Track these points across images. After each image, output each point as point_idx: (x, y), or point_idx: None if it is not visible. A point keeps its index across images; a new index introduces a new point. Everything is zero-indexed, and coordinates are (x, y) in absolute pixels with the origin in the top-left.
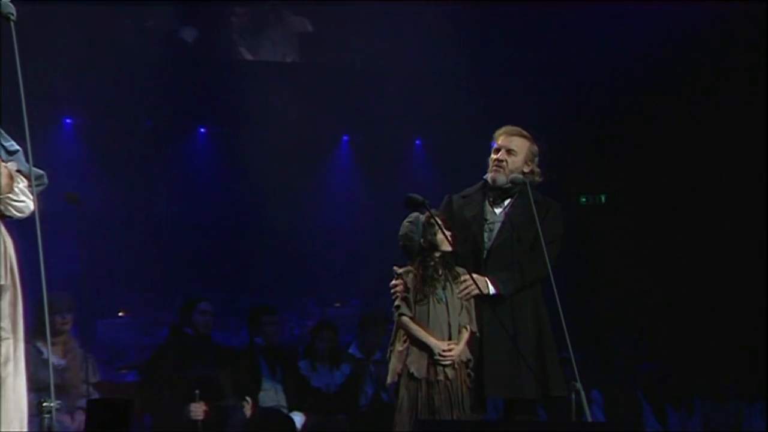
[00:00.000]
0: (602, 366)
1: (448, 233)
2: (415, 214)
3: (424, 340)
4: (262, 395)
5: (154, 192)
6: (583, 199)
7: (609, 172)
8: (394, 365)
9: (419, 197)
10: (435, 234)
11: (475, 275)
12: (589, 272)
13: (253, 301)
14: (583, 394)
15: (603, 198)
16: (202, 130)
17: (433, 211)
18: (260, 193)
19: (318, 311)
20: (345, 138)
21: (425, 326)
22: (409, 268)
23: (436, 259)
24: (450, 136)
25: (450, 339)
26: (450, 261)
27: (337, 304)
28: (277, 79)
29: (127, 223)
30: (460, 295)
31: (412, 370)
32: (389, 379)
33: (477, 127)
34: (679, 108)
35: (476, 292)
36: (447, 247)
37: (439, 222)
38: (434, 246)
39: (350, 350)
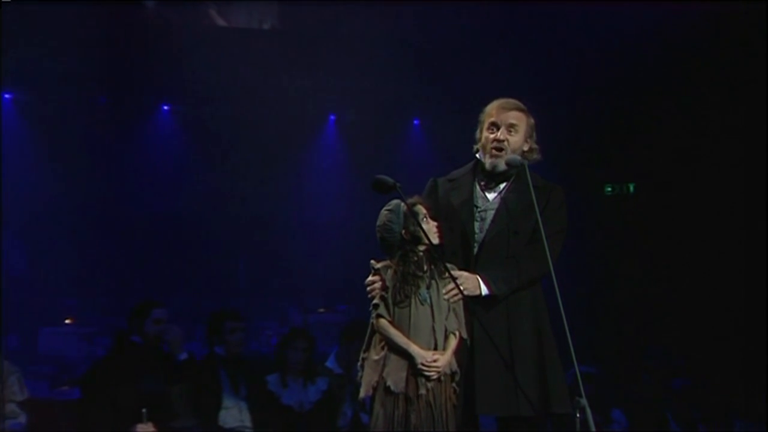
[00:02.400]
0: (625, 381)
1: (433, 224)
2: (396, 201)
3: (405, 347)
4: (223, 414)
5: (108, 179)
6: (609, 189)
7: (638, 159)
8: (368, 376)
9: (389, 179)
10: (419, 224)
11: (464, 273)
12: (612, 271)
13: (224, 306)
14: (588, 411)
15: (631, 187)
16: (166, 107)
17: (415, 198)
18: (232, 181)
19: (299, 318)
20: (332, 117)
21: (406, 331)
22: (388, 263)
23: (420, 254)
24: (452, 114)
25: (435, 347)
26: (436, 256)
27: (322, 310)
28: (253, 49)
29: (75, 216)
30: (446, 297)
31: (389, 382)
32: (362, 392)
33: (483, 106)
34: (714, 88)
35: (467, 293)
36: (435, 240)
37: (422, 210)
38: (418, 238)
39: (328, 363)
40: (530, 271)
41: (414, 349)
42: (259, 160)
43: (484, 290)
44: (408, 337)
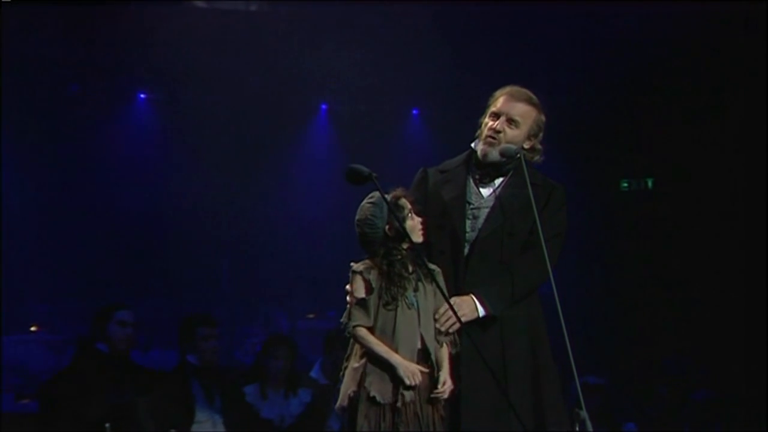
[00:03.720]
0: (639, 393)
1: (418, 220)
2: (378, 193)
3: (386, 357)
4: (195, 429)
5: (80, 173)
6: (625, 185)
7: (657, 151)
8: (346, 386)
9: (364, 169)
10: (404, 220)
11: (457, 298)
12: (628, 274)
13: (202, 310)
14: (589, 424)
15: (650, 182)
16: (142, 95)
17: (399, 190)
18: (214, 175)
19: (286, 324)
20: (323, 107)
21: (390, 336)
22: (369, 263)
23: (404, 252)
24: (454, 104)
25: (423, 351)
26: (421, 255)
27: (311, 316)
28: (238, 32)
29: (43, 213)
30: (443, 327)
31: (373, 393)
32: (338, 402)
33: (487, 95)
34: (740, 76)
35: (465, 318)
36: (418, 238)
37: (407, 204)
38: (402, 235)
39: (312, 373)
40: (526, 281)
41: (396, 359)
42: (243, 153)
43: (481, 312)
44: (392, 341)
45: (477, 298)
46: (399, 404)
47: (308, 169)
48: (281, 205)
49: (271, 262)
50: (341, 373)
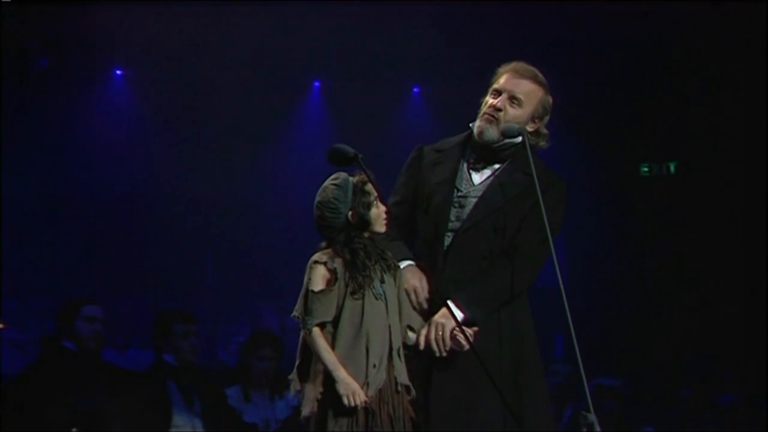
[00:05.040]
0: (660, 396)
1: (383, 209)
2: (344, 175)
3: (331, 368)
4: None
5: (50, 158)
6: (645, 169)
7: (680, 133)
8: (311, 390)
9: (349, 149)
10: (369, 206)
11: (440, 317)
12: (648, 265)
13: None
14: (597, 427)
15: (672, 167)
16: (119, 72)
17: (363, 176)
18: (198, 159)
19: (276, 321)
20: (316, 84)
21: (358, 327)
22: (329, 251)
23: (365, 242)
24: (460, 81)
25: (390, 347)
26: (381, 246)
27: None
28: (223, 1)
29: (11, 201)
30: (436, 347)
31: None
32: (306, 410)
33: (492, 71)
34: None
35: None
36: (381, 228)
37: (373, 191)
38: (366, 223)
39: None
40: (510, 288)
41: (340, 373)
42: (228, 135)
43: (459, 315)
44: (359, 333)
45: (454, 303)
46: (374, 406)
47: (299, 153)
48: (270, 191)
49: (259, 254)
50: (291, 375)
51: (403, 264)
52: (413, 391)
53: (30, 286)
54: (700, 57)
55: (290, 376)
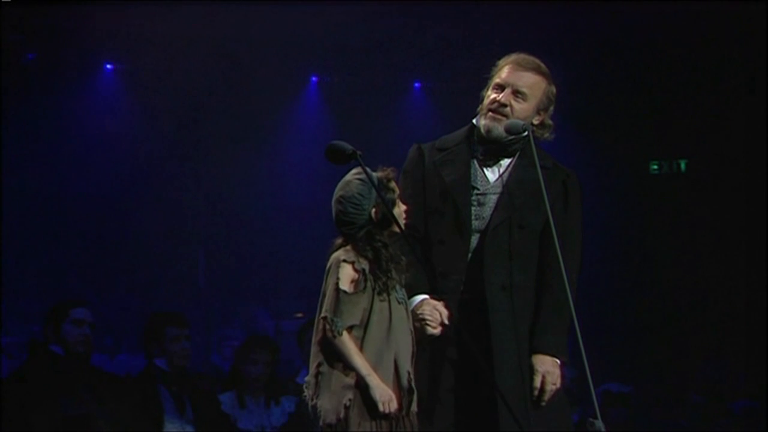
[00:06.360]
0: (672, 403)
1: (403, 207)
2: (367, 169)
3: (364, 373)
4: None
5: (37, 155)
6: (655, 167)
7: (690, 130)
8: (335, 397)
9: (347, 146)
10: (393, 204)
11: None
12: (658, 267)
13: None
14: None
15: (682, 165)
16: (109, 66)
17: (388, 171)
18: (191, 157)
19: (271, 324)
20: (313, 79)
21: (386, 331)
22: (353, 251)
23: (386, 241)
24: (463, 76)
25: (413, 354)
26: (396, 246)
27: (299, 315)
28: None
29: None
30: (545, 398)
31: (378, 399)
32: (331, 417)
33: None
34: None
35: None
36: (400, 227)
37: (396, 188)
38: (388, 221)
39: (298, 379)
40: (568, 304)
41: (373, 379)
42: (222, 132)
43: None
44: (387, 338)
45: (550, 356)
46: (403, 413)
47: (296, 150)
48: (265, 190)
49: (254, 255)
50: (308, 378)
51: (418, 299)
52: (415, 395)
53: (17, 289)
54: (712, 54)
55: (307, 378)
